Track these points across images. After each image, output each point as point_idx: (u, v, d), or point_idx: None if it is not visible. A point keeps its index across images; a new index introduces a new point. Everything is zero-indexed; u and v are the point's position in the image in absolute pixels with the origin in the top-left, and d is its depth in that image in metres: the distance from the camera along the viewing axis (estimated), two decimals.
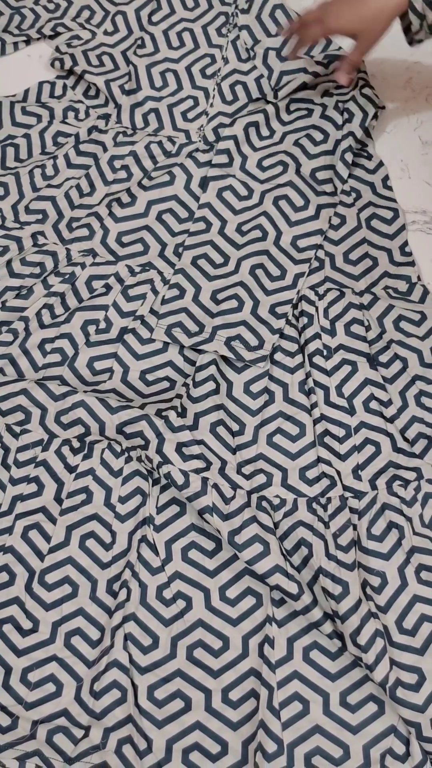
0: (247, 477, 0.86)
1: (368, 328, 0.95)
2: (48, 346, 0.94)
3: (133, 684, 0.77)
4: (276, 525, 0.83)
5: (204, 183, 1.04)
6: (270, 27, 1.14)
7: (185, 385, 0.91)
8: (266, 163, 1.05)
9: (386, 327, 0.95)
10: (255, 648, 0.78)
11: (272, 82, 1.10)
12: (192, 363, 0.93)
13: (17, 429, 0.89)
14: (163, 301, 0.96)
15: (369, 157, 1.06)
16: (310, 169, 1.04)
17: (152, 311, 0.96)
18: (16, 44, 1.17)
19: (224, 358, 0.94)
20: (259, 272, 0.98)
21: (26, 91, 1.12)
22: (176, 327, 0.94)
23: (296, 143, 1.06)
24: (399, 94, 1.14)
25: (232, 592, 0.81)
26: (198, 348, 0.93)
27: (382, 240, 1.01)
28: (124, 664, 0.77)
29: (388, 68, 1.15)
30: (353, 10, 0.91)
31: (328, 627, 0.77)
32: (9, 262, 0.98)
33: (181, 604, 0.81)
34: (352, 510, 0.84)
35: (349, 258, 1.00)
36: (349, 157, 1.02)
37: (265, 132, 1.06)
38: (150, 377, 0.93)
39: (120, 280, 0.99)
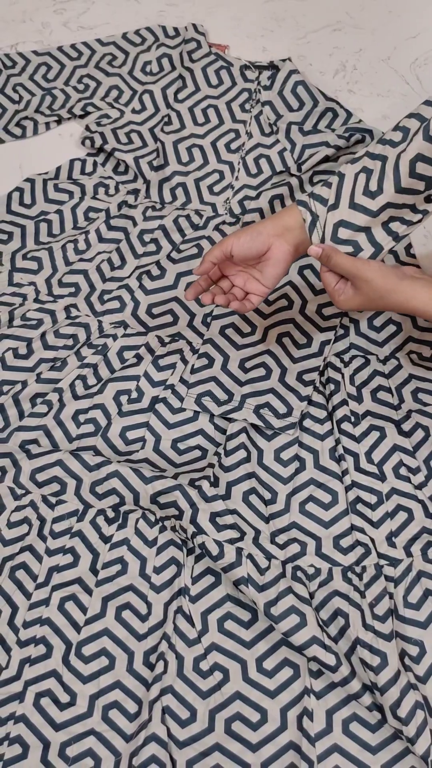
0: (281, 546, 0.87)
1: (392, 395, 0.96)
2: (81, 417, 0.96)
3: (171, 758, 0.77)
4: (311, 595, 0.83)
5: None
6: (292, 102, 1.18)
7: (216, 453, 0.92)
8: None
9: (405, 397, 0.97)
10: (294, 720, 0.78)
11: (295, 155, 1.14)
12: (223, 431, 0.95)
13: (53, 500, 0.91)
14: (193, 371, 0.98)
15: None
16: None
17: (182, 380, 0.98)
18: (47, 124, 1.22)
19: (254, 425, 0.95)
20: (286, 340, 1.00)
21: (58, 169, 1.16)
22: (206, 396, 0.96)
23: None
24: None
25: (269, 664, 0.81)
26: (228, 416, 0.95)
27: None
28: (162, 738, 0.77)
29: None
30: (367, 305, 0.82)
31: (367, 699, 0.76)
32: (43, 335, 1.01)
33: (218, 676, 0.81)
34: (388, 578, 0.84)
35: (374, 324, 1.02)
36: None
37: (289, 204, 1.09)
38: (182, 446, 0.94)
39: (150, 351, 1.01)
